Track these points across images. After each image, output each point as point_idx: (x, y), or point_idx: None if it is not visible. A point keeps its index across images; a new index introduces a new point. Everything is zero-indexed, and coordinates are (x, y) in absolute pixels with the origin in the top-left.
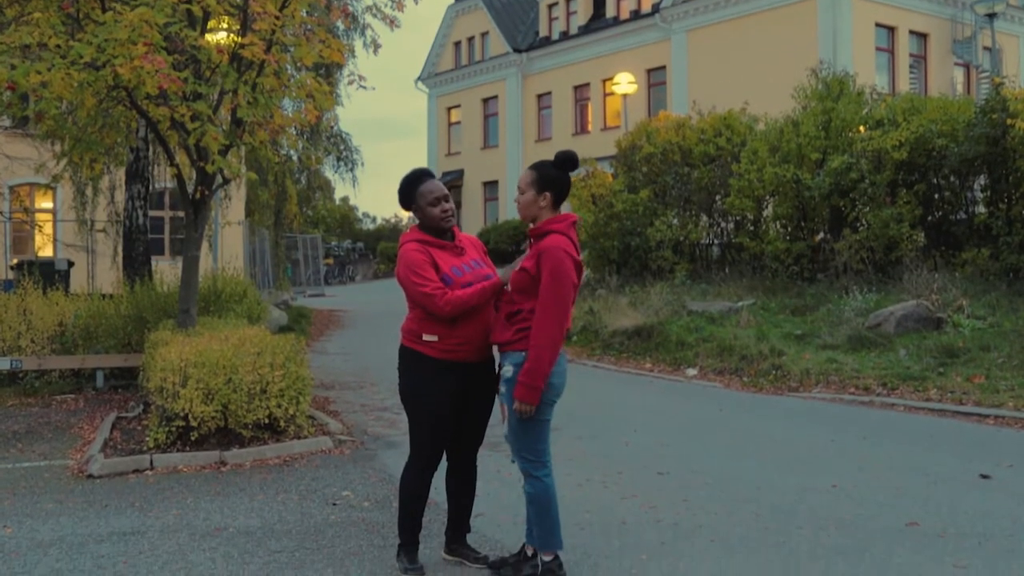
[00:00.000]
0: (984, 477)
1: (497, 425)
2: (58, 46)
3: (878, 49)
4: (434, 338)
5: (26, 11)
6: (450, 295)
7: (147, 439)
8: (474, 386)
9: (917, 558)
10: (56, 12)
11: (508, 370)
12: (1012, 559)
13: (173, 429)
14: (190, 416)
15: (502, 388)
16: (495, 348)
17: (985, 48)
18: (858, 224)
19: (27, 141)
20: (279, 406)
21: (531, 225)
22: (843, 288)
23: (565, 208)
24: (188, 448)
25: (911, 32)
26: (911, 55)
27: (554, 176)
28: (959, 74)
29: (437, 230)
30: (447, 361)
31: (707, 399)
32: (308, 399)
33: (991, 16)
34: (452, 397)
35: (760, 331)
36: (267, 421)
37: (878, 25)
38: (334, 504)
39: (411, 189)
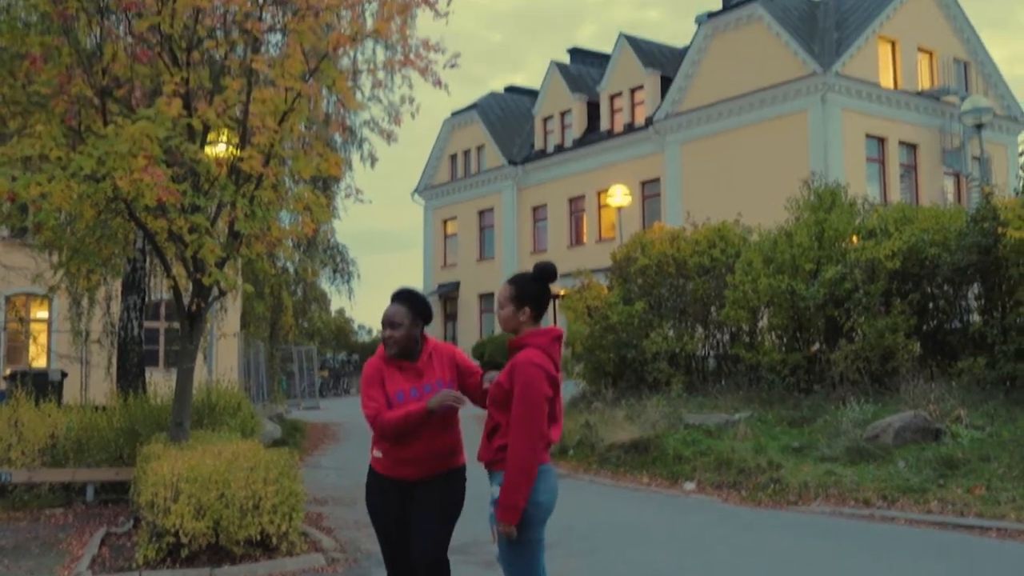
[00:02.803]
0: None
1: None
2: (59, 158)
3: (869, 159)
4: (379, 454)
5: (29, 124)
6: (382, 417)
7: (136, 556)
8: (416, 502)
9: None
10: (58, 125)
11: (495, 491)
12: None
13: (163, 545)
14: (181, 532)
15: (490, 509)
16: (484, 467)
17: (974, 157)
18: (853, 334)
19: (25, 251)
20: (272, 522)
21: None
22: (840, 399)
23: (561, 321)
24: (178, 565)
25: (901, 142)
26: (901, 165)
27: (532, 291)
28: (949, 183)
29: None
30: (390, 478)
31: (705, 514)
32: (301, 515)
33: (979, 127)
34: (398, 515)
35: (758, 443)
36: (259, 538)
37: (868, 136)
38: None
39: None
